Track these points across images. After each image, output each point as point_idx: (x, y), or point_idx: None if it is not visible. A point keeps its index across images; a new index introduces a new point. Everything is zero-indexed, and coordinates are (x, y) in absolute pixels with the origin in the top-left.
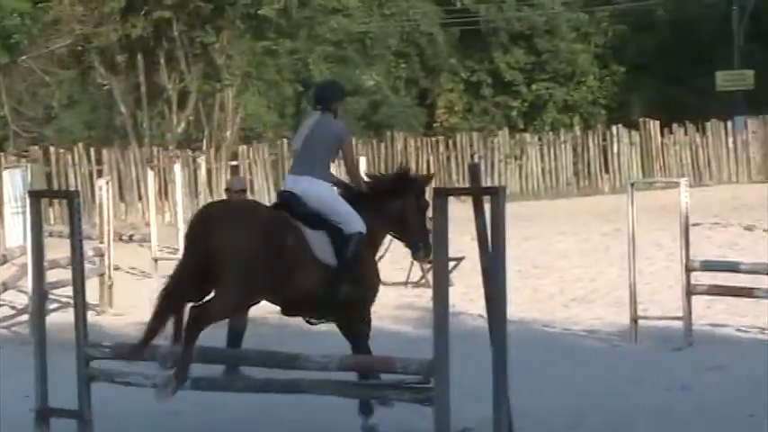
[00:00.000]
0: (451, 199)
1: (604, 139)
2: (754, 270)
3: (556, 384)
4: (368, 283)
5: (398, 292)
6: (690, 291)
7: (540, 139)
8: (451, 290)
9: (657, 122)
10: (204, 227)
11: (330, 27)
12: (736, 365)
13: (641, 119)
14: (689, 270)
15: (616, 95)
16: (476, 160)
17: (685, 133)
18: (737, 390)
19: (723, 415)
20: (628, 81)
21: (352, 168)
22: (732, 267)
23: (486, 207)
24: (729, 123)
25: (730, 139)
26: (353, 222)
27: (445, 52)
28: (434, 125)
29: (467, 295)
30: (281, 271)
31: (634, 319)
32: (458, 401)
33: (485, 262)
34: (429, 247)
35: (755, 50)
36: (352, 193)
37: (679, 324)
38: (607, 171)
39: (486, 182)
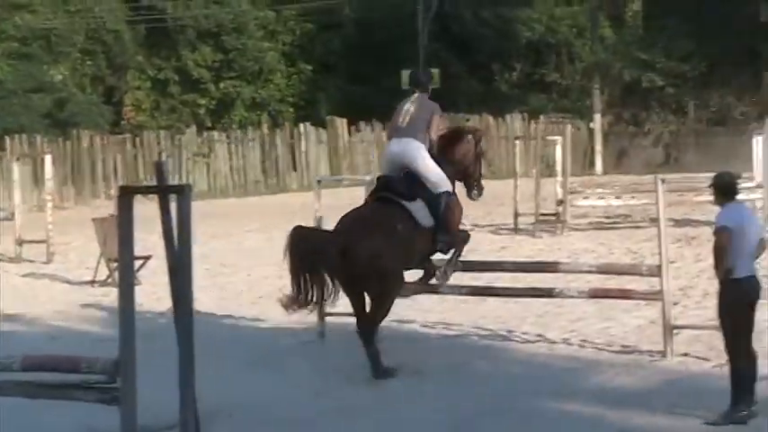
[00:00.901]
0: (139, 197)
1: (292, 137)
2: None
3: (244, 380)
4: (456, 229)
5: (85, 292)
6: None
7: (228, 136)
8: (139, 288)
9: (345, 121)
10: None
11: (14, 23)
12: (423, 361)
13: (329, 117)
14: None
15: (304, 94)
16: (163, 158)
17: (372, 131)
18: (426, 385)
19: (416, 409)
20: (315, 79)
21: (433, 134)
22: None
23: (174, 205)
24: None
25: None
26: (441, 183)
27: (132, 50)
28: (122, 123)
29: (154, 294)
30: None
31: (321, 316)
32: (147, 400)
33: (171, 260)
34: (482, 188)
35: (440, 49)
36: (435, 156)
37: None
38: (295, 169)
39: (173, 180)
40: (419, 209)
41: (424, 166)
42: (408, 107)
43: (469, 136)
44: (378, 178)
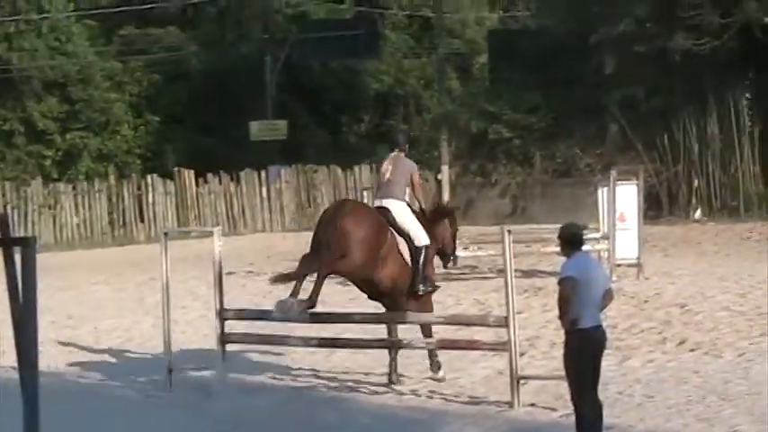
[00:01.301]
0: None
1: (139, 189)
2: (287, 318)
3: None
4: (431, 282)
5: None
6: (224, 339)
7: (74, 188)
8: None
9: (192, 172)
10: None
11: None
12: (269, 413)
13: (176, 168)
14: (223, 318)
15: (151, 145)
16: (7, 210)
17: (220, 183)
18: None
19: None
20: (162, 130)
21: (418, 191)
22: (266, 315)
23: (18, 258)
24: (263, 173)
25: (264, 189)
26: (422, 237)
27: None
28: None
29: None
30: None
31: (169, 369)
32: None
33: (16, 313)
34: (456, 258)
35: (288, 100)
36: (416, 214)
37: (214, 373)
38: (142, 220)
39: (18, 232)
40: (403, 244)
41: (408, 222)
42: (387, 167)
43: (446, 220)
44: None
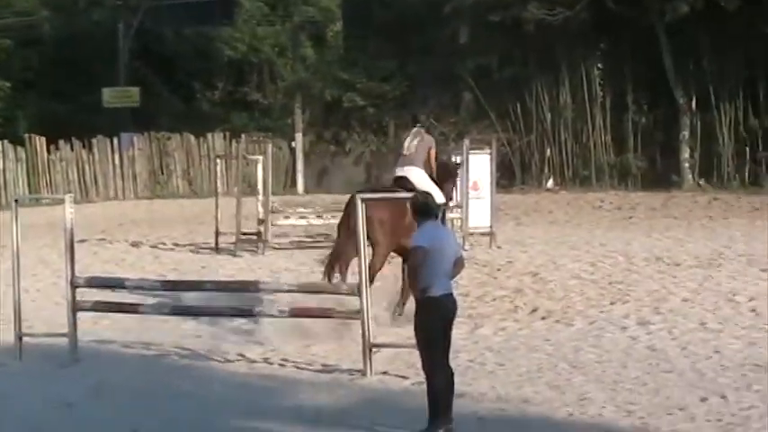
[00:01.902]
0: None
1: None
2: (140, 286)
3: None
4: None
5: None
6: (75, 307)
7: None
8: None
9: (44, 139)
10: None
11: None
12: (121, 381)
13: (27, 135)
14: (74, 286)
15: (2, 111)
16: None
17: (72, 150)
18: (121, 405)
19: (106, 430)
20: (13, 96)
21: (432, 163)
22: (118, 283)
23: None
24: (116, 140)
25: (117, 156)
26: (439, 197)
27: None
28: None
29: None
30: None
31: (19, 336)
32: None
33: None
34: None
35: (141, 67)
36: (432, 178)
37: (65, 341)
38: None
39: None
40: None
41: (426, 185)
42: (411, 141)
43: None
44: (395, 177)
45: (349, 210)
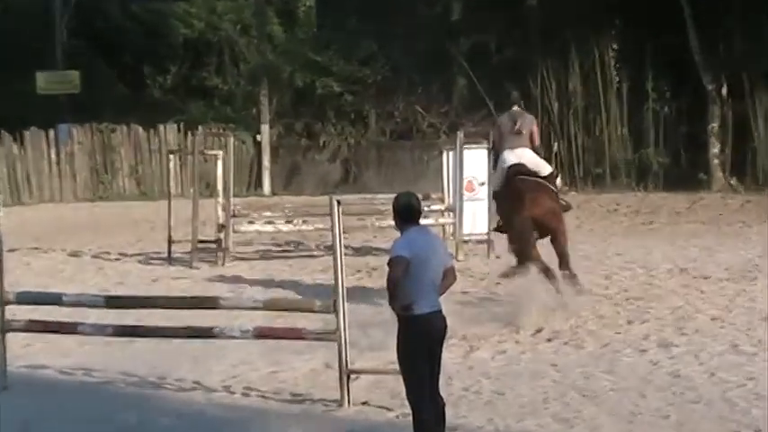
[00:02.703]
0: None
1: None
2: (80, 302)
3: None
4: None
5: None
6: (4, 327)
7: None
8: None
9: None
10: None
11: None
12: (56, 412)
13: None
14: (3, 303)
15: None
16: None
17: (0, 144)
18: None
19: None
20: None
21: (537, 140)
22: (54, 299)
23: None
24: (52, 132)
25: (53, 151)
26: (548, 168)
27: None
28: None
29: None
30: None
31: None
32: None
33: None
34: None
35: (81, 48)
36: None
37: None
38: None
39: None
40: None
41: (539, 163)
42: (516, 121)
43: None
44: (511, 165)
45: (525, 197)
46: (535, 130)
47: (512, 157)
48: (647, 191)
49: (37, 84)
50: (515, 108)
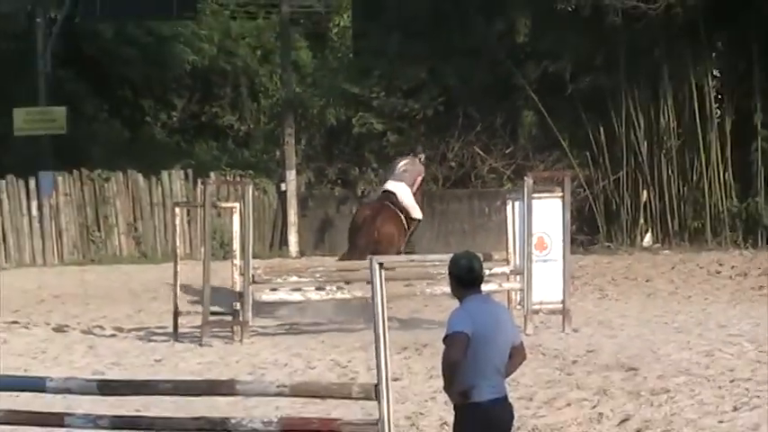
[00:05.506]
0: None
1: None
2: (67, 388)
3: None
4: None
5: None
6: None
7: None
8: None
9: None
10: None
11: None
12: None
13: None
14: None
15: None
16: None
17: None
18: None
19: None
20: None
21: (416, 191)
22: (37, 385)
23: None
24: (33, 181)
25: (34, 204)
26: (418, 213)
27: None
28: None
29: None
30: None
31: None
32: None
33: None
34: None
35: (68, 79)
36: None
37: None
38: None
39: None
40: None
41: (409, 201)
42: (404, 162)
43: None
44: (384, 190)
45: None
46: (418, 180)
47: (391, 186)
48: (756, 248)
49: (14, 123)
50: (409, 156)
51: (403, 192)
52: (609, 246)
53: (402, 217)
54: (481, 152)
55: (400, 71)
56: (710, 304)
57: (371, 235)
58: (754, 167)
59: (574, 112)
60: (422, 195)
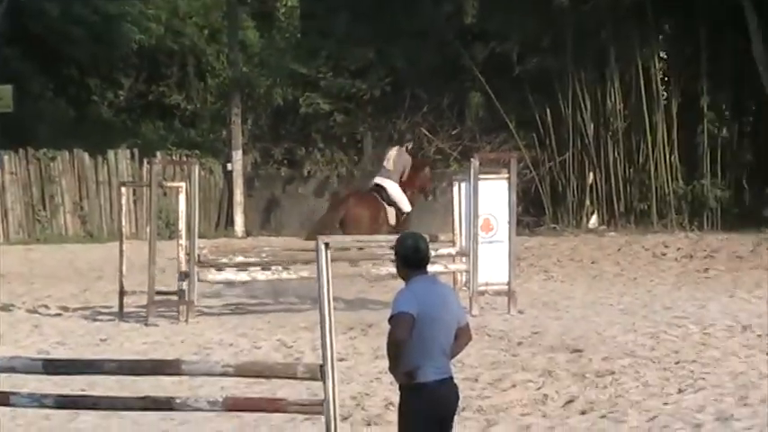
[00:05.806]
0: None
1: None
2: (11, 367)
3: None
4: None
5: None
6: None
7: None
8: None
9: None
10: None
11: None
12: None
13: None
14: None
15: None
16: None
17: None
18: None
19: None
20: None
21: (405, 180)
22: None
23: None
24: None
25: None
26: (406, 205)
27: None
28: None
29: None
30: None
31: None
32: None
33: None
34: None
35: (16, 58)
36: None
37: None
38: None
39: None
40: (392, 212)
41: (397, 195)
42: (390, 156)
43: (425, 168)
44: (375, 184)
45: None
46: (407, 171)
47: (379, 181)
48: (701, 231)
49: None
50: (397, 147)
51: (392, 187)
52: (555, 227)
53: (387, 209)
54: (428, 133)
55: (348, 52)
56: (656, 286)
57: (338, 212)
58: (700, 150)
59: (521, 94)
60: (426, 181)
